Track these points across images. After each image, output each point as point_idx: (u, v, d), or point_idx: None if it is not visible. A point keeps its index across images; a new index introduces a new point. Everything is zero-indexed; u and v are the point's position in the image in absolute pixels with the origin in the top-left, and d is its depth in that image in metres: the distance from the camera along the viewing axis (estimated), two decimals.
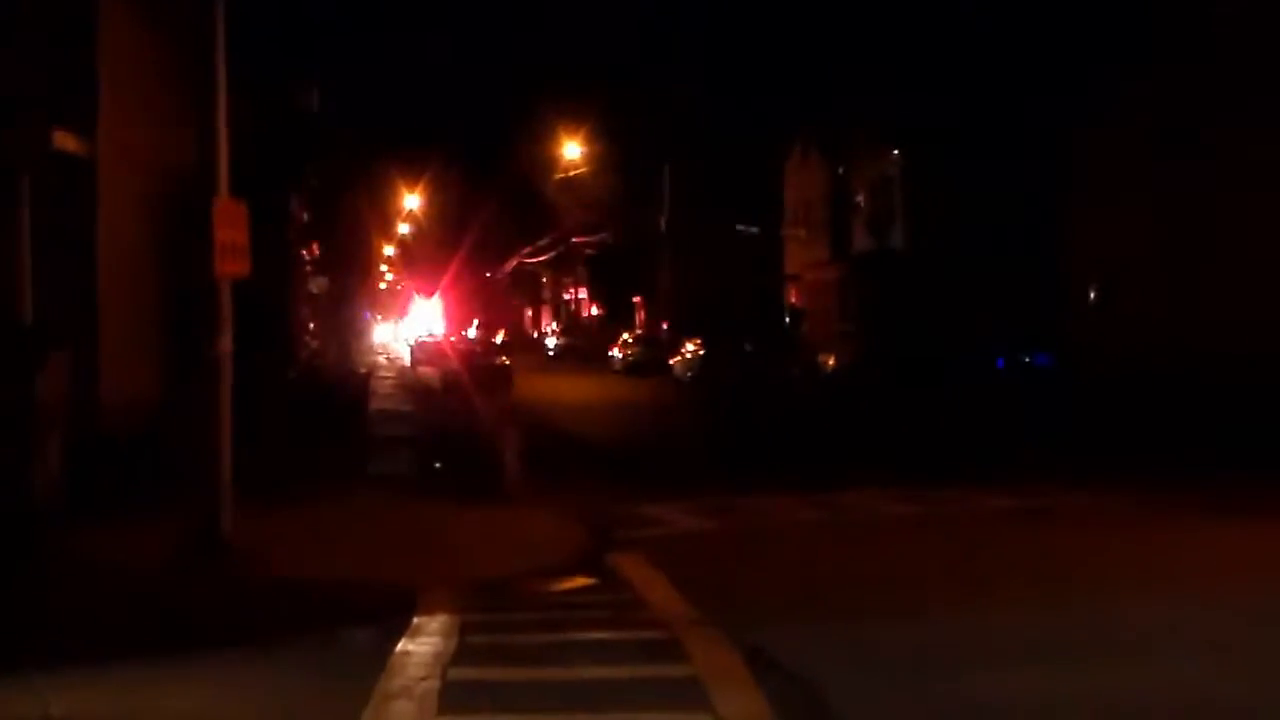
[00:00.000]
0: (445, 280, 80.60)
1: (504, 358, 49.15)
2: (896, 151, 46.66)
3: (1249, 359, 27.95)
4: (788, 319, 57.41)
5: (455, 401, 37.40)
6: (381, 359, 67.34)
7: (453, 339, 50.02)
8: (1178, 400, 28.03)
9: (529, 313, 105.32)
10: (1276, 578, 12.24)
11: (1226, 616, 10.55)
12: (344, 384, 34.92)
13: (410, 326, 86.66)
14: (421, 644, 9.74)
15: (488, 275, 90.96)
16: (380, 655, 9.25)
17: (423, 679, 8.74)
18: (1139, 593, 11.56)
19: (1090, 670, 8.96)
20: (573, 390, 44.99)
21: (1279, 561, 13.10)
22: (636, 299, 78.35)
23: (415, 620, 10.45)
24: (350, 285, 55.54)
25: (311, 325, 45.07)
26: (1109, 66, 35.00)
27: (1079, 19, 35.44)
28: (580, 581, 12.74)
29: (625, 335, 64.01)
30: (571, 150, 60.14)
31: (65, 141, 15.07)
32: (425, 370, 50.25)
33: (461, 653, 9.48)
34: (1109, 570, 12.80)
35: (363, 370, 46.78)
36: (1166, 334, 32.49)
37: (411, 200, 73.97)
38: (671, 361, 51.86)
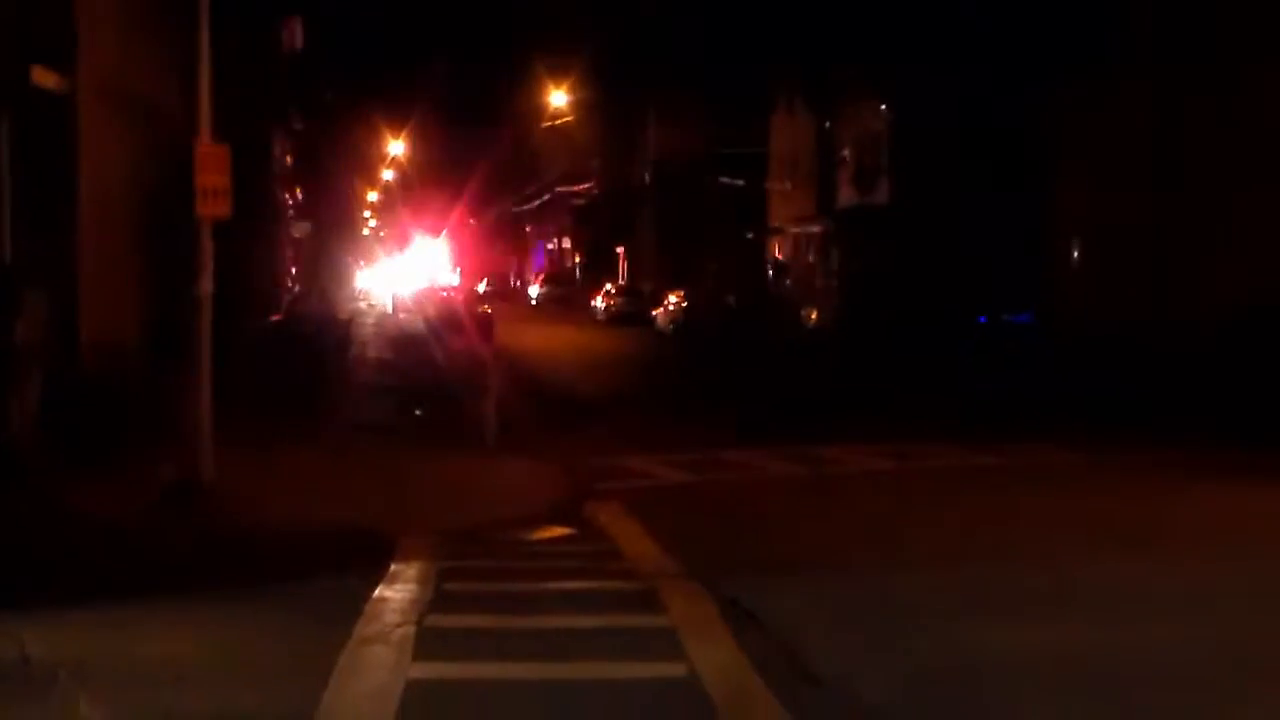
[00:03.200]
0: (450, 224, 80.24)
1: (486, 306, 49.06)
2: (883, 106, 46.49)
3: (1226, 324, 28.03)
4: (771, 272, 57.38)
5: (436, 349, 37.34)
6: (363, 305, 67.15)
7: (440, 287, 49.88)
8: (1153, 363, 28.12)
9: (513, 262, 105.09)
10: (1253, 537, 12.31)
11: (1207, 574, 10.62)
12: (325, 330, 34.81)
13: (398, 272, 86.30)
14: (398, 590, 9.75)
15: (471, 223, 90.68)
16: (357, 601, 9.26)
17: (399, 625, 8.76)
18: (1120, 549, 11.62)
19: (1071, 625, 9.01)
20: (555, 340, 44.95)
21: (1256, 521, 13.17)
22: (620, 249, 78.22)
23: (392, 567, 10.46)
24: (333, 230, 55.31)
25: (293, 270, 44.90)
26: (1098, 30, 34.86)
27: None
28: (558, 531, 12.77)
29: (608, 285, 63.93)
30: (558, 98, 59.79)
31: (44, 78, 14.89)
32: (406, 317, 50.17)
33: (438, 600, 9.50)
34: (1090, 527, 12.87)
35: (344, 316, 46.64)
36: (1146, 296, 32.57)
37: (396, 147, 73.61)
38: (654, 313, 51.84)
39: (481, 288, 75.48)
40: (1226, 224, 30.51)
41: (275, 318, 30.74)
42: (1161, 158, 33.18)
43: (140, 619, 8.94)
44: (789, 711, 7.17)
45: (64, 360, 15.18)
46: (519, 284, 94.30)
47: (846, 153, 50.49)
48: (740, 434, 19.92)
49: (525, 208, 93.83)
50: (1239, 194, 30.28)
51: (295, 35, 37.26)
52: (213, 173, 13.10)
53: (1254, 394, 22.87)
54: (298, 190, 44.55)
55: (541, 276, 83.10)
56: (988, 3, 39.59)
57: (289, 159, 40.91)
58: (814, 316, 45.95)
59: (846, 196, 49.94)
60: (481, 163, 77.45)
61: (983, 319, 38.58)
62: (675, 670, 7.87)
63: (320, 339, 30.91)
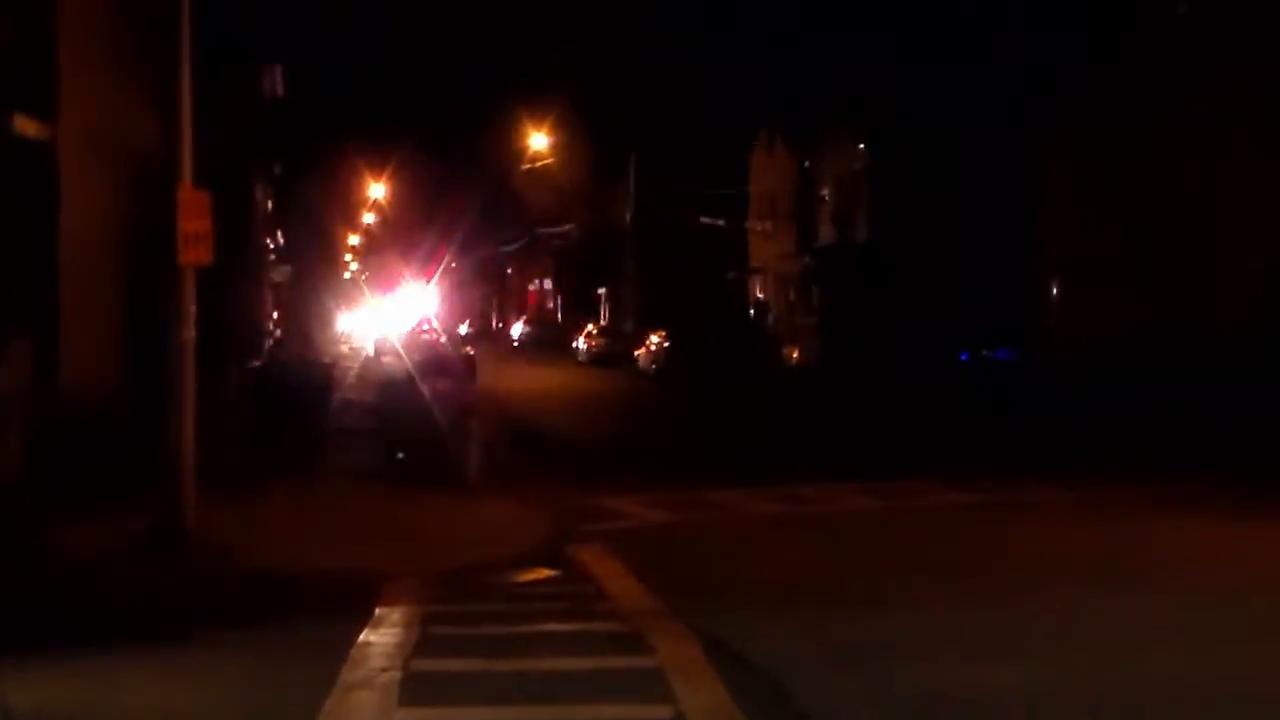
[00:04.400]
0: (431, 266, 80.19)
1: (468, 348, 49.05)
2: (862, 145, 46.79)
3: (1209, 353, 28.22)
4: (753, 312, 57.51)
5: (419, 392, 37.30)
6: (345, 348, 67.04)
7: (423, 330, 49.80)
8: (1137, 395, 28.25)
9: (494, 303, 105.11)
10: (1234, 569, 12.35)
11: (1187, 608, 10.65)
12: (307, 374, 34.74)
13: (380, 315, 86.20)
14: (383, 635, 9.72)
15: (452, 265, 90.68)
16: (342, 646, 9.23)
17: (384, 670, 8.73)
18: (1101, 585, 11.65)
19: (1053, 662, 9.02)
20: (537, 381, 44.94)
21: (1237, 554, 13.21)
22: (601, 291, 78.32)
23: (377, 611, 10.44)
24: (314, 274, 55.29)
25: (275, 314, 44.84)
26: (1073, 66, 35.22)
27: (1045, 19, 35.64)
28: (542, 573, 12.74)
29: (590, 326, 63.98)
30: (538, 141, 60.00)
31: (25, 126, 14.91)
32: (389, 360, 50.09)
33: (423, 644, 9.47)
34: (1070, 563, 12.90)
35: (326, 360, 46.55)
36: (1128, 328, 32.76)
37: (377, 190, 73.70)
38: (636, 353, 51.87)
39: (464, 329, 75.44)
40: (1206, 259, 30.75)
41: (257, 362, 30.68)
42: (1139, 192, 33.45)
43: (124, 667, 8.89)
44: None
45: (45, 407, 15.14)
46: (500, 325, 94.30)
47: (826, 192, 50.77)
48: (723, 474, 19.92)
49: (507, 249, 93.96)
50: (1219, 229, 30.55)
51: (276, 82, 37.37)
52: (194, 219, 13.11)
53: (1233, 427, 23.00)
54: (279, 234, 44.56)
55: (523, 318, 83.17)
56: (966, 42, 39.96)
57: (270, 203, 40.95)
58: (796, 355, 46.05)
59: (826, 235, 50.18)
60: (462, 205, 77.59)
61: (964, 356, 38.72)
62: (662, 712, 7.86)
63: (302, 383, 30.83)
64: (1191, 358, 28.55)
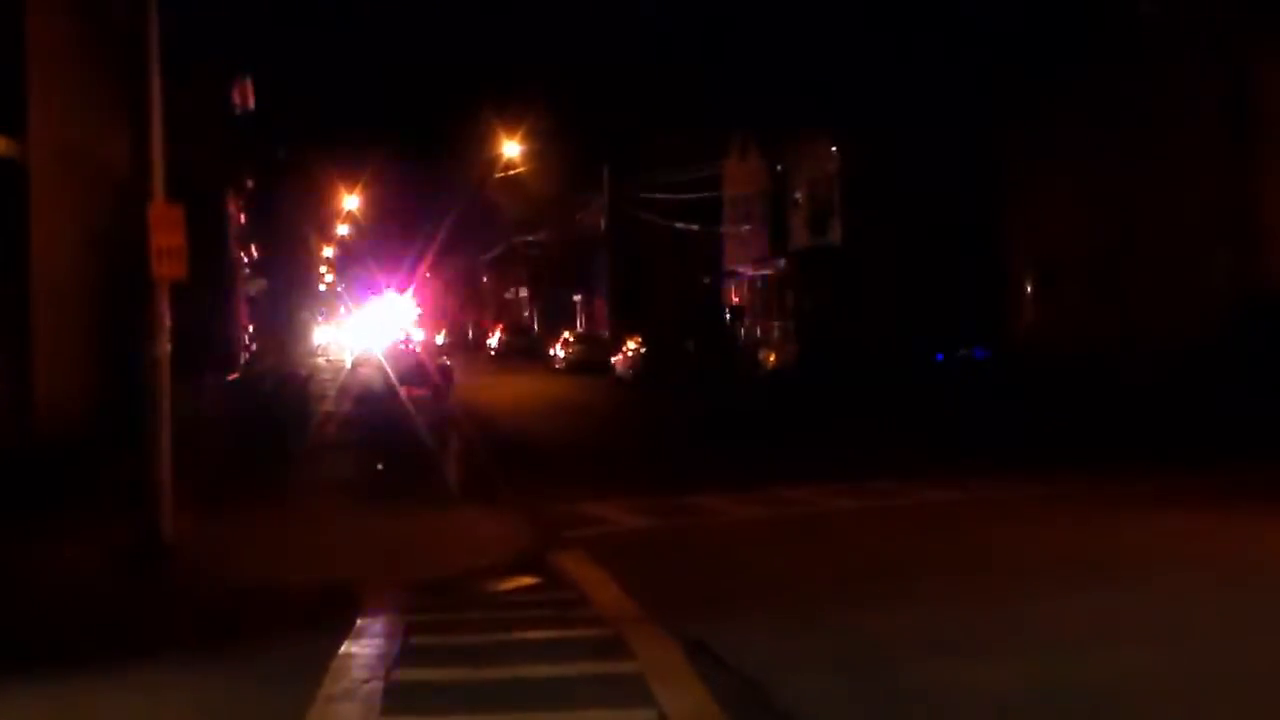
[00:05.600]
0: (407, 276, 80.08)
1: (445, 358, 48.99)
2: (834, 148, 46.92)
3: (1179, 351, 28.41)
4: (728, 316, 57.60)
5: (398, 402, 37.24)
6: (321, 361, 66.87)
7: (402, 342, 49.64)
8: (1110, 393, 28.42)
9: (471, 312, 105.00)
10: (1208, 565, 12.44)
11: (1166, 606, 10.72)
12: (283, 387, 34.65)
13: (356, 326, 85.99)
14: (365, 646, 9.71)
15: (427, 275, 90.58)
16: (323, 658, 9.21)
17: (366, 681, 8.72)
18: (1082, 582, 11.71)
19: (1036, 661, 9.05)
20: (515, 390, 44.91)
21: (1213, 550, 13.30)
22: (577, 297, 78.32)
23: (359, 622, 10.42)
24: (289, 287, 55.14)
25: (250, 327, 44.70)
26: (1041, 67, 35.42)
27: (1012, 21, 35.84)
28: (524, 581, 12.74)
29: (566, 334, 63.98)
30: (510, 149, 59.98)
31: None
32: (367, 372, 50.01)
33: (405, 654, 9.46)
34: (1053, 560, 12.96)
35: (302, 372, 46.43)
36: (1101, 327, 32.95)
37: (351, 201, 73.59)
38: (613, 360, 51.90)
39: (440, 339, 75.33)
40: (1179, 257, 30.95)
41: (232, 376, 30.58)
42: (1109, 192, 33.65)
43: (101, 685, 8.85)
44: None
45: (19, 424, 15.07)
46: (477, 334, 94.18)
47: (799, 195, 50.88)
48: (702, 478, 19.95)
49: (482, 258, 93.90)
50: (1187, 228, 30.75)
51: (247, 95, 37.26)
52: (167, 233, 13.09)
53: (1205, 423, 23.15)
54: (252, 248, 44.44)
55: (500, 326, 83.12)
56: (936, 44, 40.13)
57: (243, 217, 40.84)
58: (772, 359, 46.13)
59: (800, 239, 50.28)
60: (437, 215, 77.53)
61: (940, 356, 38.86)
62: (645, 716, 7.87)
63: (279, 396, 30.77)
64: (1162, 355, 28.74)
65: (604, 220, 69.76)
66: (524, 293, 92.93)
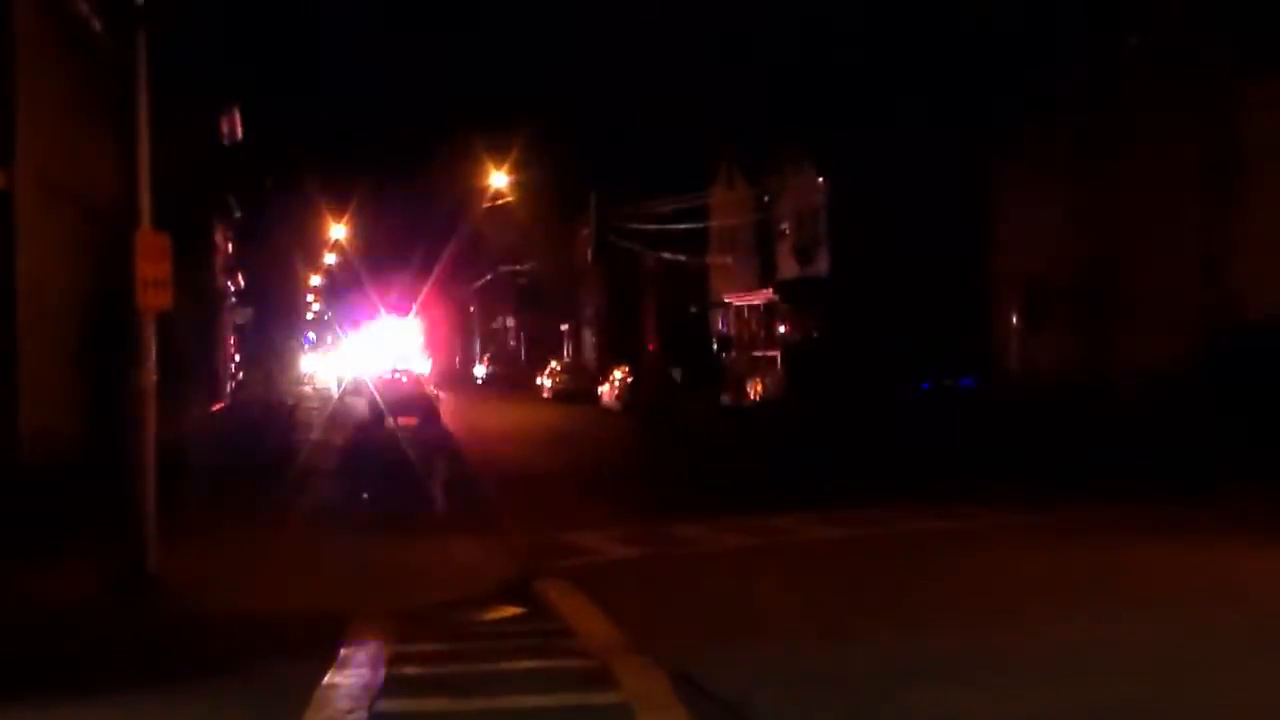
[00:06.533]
0: (393, 306, 79.87)
1: (432, 387, 48.96)
2: (820, 178, 47.09)
3: (1166, 377, 28.50)
4: (715, 346, 57.67)
5: (383, 432, 37.20)
6: (308, 389, 66.75)
7: (394, 371, 49.58)
8: (1096, 421, 28.48)
9: (457, 342, 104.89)
10: (1197, 594, 12.47)
11: (1147, 634, 10.75)
12: (270, 416, 34.60)
13: (343, 356, 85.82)
14: (349, 676, 9.69)
15: (413, 305, 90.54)
16: (307, 688, 9.19)
17: (350, 711, 8.70)
18: (1063, 610, 11.74)
19: (1019, 689, 9.08)
20: (501, 419, 44.88)
21: (1199, 579, 13.34)
22: (564, 327, 78.33)
23: (343, 652, 10.40)
24: (276, 316, 55.13)
25: (237, 356, 44.68)
26: (1027, 98, 35.63)
27: (999, 52, 36.06)
28: (509, 611, 12.72)
29: (553, 363, 63.99)
30: (498, 179, 60.11)
31: None
32: (355, 400, 49.94)
33: (390, 684, 9.45)
34: (1043, 588, 12.99)
35: (289, 401, 46.37)
36: (1087, 357, 33.06)
37: (337, 230, 73.64)
38: (600, 390, 51.90)
39: (427, 368, 75.14)
40: (1163, 288, 31.10)
41: (219, 405, 30.56)
42: (1094, 223, 33.82)
43: (86, 715, 8.83)
44: None
45: (3, 453, 15.04)
46: (461, 363, 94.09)
47: (786, 225, 51.03)
48: (688, 507, 19.95)
49: (470, 287, 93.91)
50: (1169, 255, 30.91)
51: (234, 124, 37.36)
52: (153, 262, 13.10)
53: (1191, 451, 23.22)
54: (239, 276, 44.45)
55: (487, 355, 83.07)
56: (921, 74, 40.34)
57: (230, 246, 40.88)
58: (759, 388, 46.18)
59: (787, 268, 50.40)
60: (426, 243, 77.58)
61: (926, 385, 38.91)
62: None
63: (265, 425, 30.74)
64: (1147, 385, 28.84)
65: (591, 250, 69.89)
66: (510, 322, 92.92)
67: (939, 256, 41.23)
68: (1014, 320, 38.07)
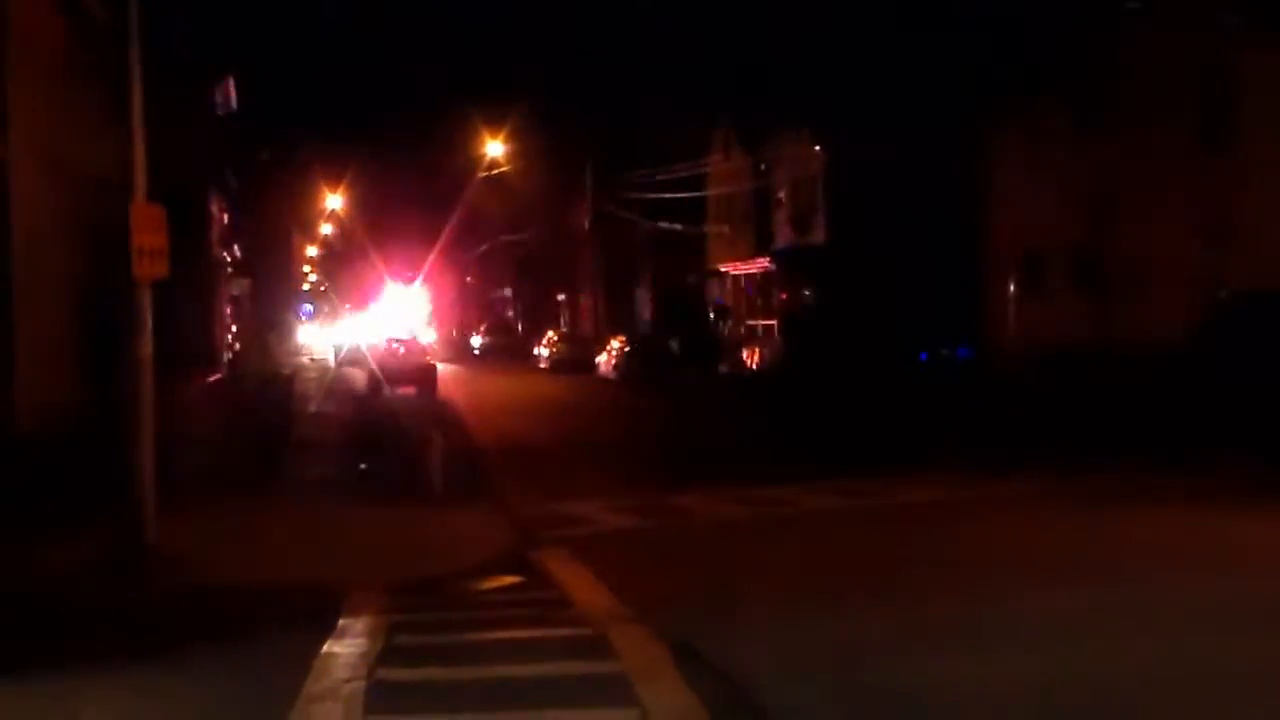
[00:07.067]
0: (391, 275, 79.70)
1: (428, 357, 48.94)
2: (817, 147, 46.97)
3: (1162, 349, 28.49)
4: (712, 315, 57.64)
5: (380, 402, 37.18)
6: (306, 360, 66.73)
7: (392, 341, 49.54)
8: (1095, 390, 28.50)
9: (455, 311, 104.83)
10: (1185, 564, 12.49)
11: (1143, 603, 10.77)
12: (267, 387, 34.56)
13: (341, 326, 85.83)
14: (348, 645, 9.70)
15: (410, 274, 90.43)
16: (305, 658, 9.20)
17: (349, 680, 8.71)
18: (1060, 580, 11.75)
19: (1016, 657, 9.10)
20: (499, 389, 44.88)
21: (1200, 546, 13.36)
22: (561, 297, 78.25)
23: (341, 622, 10.41)
24: (272, 287, 55.04)
25: (233, 327, 44.59)
26: (1025, 67, 35.51)
27: (996, 21, 35.91)
28: (507, 580, 12.75)
29: (551, 333, 63.95)
30: (494, 148, 59.94)
31: None
32: (350, 371, 49.91)
33: (388, 653, 9.46)
34: (1038, 557, 13.01)
35: (286, 372, 46.33)
36: (1084, 326, 33.05)
37: (334, 201, 73.48)
38: (597, 359, 51.90)
39: (432, 337, 75.09)
40: (1161, 257, 31.07)
41: (216, 376, 30.51)
42: (1092, 191, 33.75)
43: (83, 686, 8.83)
44: None
45: (0, 424, 15.02)
46: (458, 333, 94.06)
47: (783, 194, 50.93)
48: (685, 477, 19.96)
49: (467, 257, 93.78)
50: (1168, 225, 30.86)
51: (229, 94, 37.17)
52: (148, 233, 13.06)
53: (1188, 423, 23.21)
54: (235, 247, 44.32)
55: (483, 326, 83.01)
56: (918, 44, 40.18)
57: (225, 217, 40.74)
58: (756, 357, 46.18)
59: (784, 237, 50.33)
60: (422, 216, 77.43)
61: (924, 355, 38.92)
62: (628, 716, 7.88)
63: (262, 396, 30.68)
64: (1145, 355, 28.83)
65: (587, 220, 69.77)
66: (508, 292, 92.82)
67: (936, 226, 41.17)
68: (1012, 290, 38.03)
